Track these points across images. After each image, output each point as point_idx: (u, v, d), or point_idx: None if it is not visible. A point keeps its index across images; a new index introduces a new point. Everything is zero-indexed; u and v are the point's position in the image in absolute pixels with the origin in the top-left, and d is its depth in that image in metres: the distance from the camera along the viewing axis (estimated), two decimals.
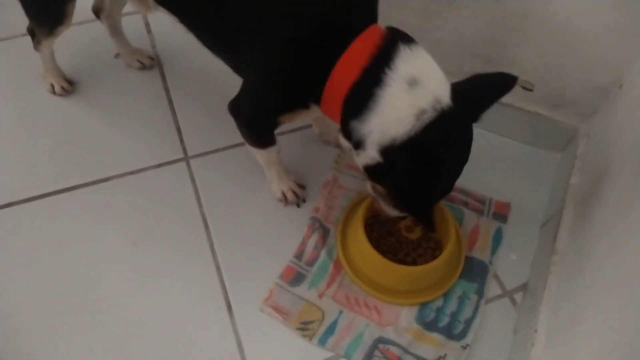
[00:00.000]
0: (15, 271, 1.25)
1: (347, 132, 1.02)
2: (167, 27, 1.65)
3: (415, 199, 1.02)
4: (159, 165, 1.44)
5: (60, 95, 1.54)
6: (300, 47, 0.99)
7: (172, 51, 1.67)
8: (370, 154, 0.99)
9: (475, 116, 1.01)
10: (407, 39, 0.97)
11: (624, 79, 1.26)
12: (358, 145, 1.00)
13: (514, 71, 1.37)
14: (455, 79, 1.49)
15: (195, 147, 1.47)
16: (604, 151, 1.24)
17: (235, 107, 1.18)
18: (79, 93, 1.56)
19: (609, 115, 1.29)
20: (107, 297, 1.23)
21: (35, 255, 1.27)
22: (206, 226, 1.34)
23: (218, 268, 1.28)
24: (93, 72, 1.60)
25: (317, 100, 1.06)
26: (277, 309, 1.22)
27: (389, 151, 0.95)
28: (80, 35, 1.64)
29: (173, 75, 1.62)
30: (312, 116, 1.20)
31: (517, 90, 1.41)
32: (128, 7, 1.69)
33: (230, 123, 1.22)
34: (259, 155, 1.30)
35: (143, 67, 1.61)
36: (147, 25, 1.73)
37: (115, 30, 1.55)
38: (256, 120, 1.18)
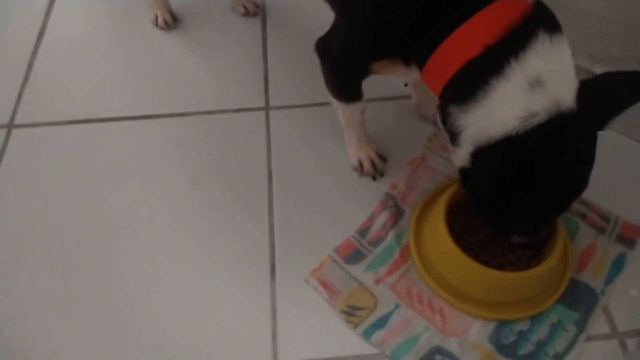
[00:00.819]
0: (72, 185, 1.22)
1: (443, 114, 0.85)
2: None
3: (498, 215, 0.84)
4: (238, 110, 1.35)
5: (162, 28, 1.53)
6: None
7: (279, 2, 1.59)
8: (462, 153, 0.83)
9: (602, 123, 0.81)
10: (552, 25, 0.78)
11: None
12: (452, 137, 0.85)
13: None
14: (600, 66, 1.24)
15: (278, 99, 1.36)
16: None
17: (323, 45, 1.04)
18: (179, 29, 1.53)
19: None
20: (153, 228, 1.15)
21: (96, 174, 1.24)
22: (270, 180, 1.21)
23: (271, 226, 1.14)
24: (198, 10, 1.57)
25: (420, 62, 0.88)
26: (324, 284, 1.05)
27: (480, 153, 0.80)
28: None
29: (274, 26, 1.54)
30: (409, 77, 1.04)
31: None
32: None
33: (319, 80, 1.09)
34: (341, 111, 1.15)
35: (247, 13, 1.55)
36: None
37: None
38: (344, 62, 1.02)
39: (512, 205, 0.81)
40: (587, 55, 1.20)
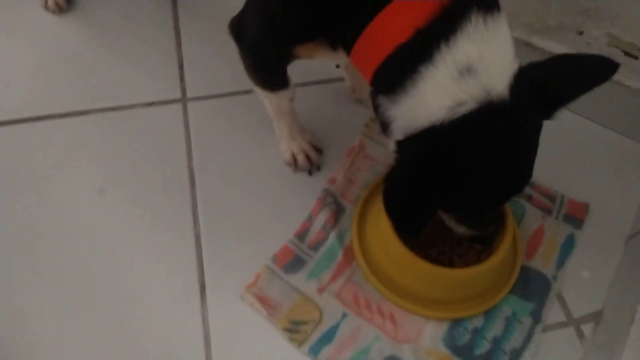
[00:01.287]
0: None
1: (374, 104, 0.77)
2: None
3: (410, 208, 0.74)
4: (150, 104, 1.18)
5: (54, 12, 1.32)
6: None
7: None
8: (392, 144, 0.75)
9: (549, 111, 0.73)
10: (487, 4, 0.69)
11: None
12: (383, 127, 0.77)
13: (616, 28, 1.04)
14: (537, 36, 1.17)
15: (196, 89, 1.21)
16: None
17: (238, 26, 0.90)
18: (75, 11, 1.33)
19: None
20: (58, 248, 0.99)
21: None
22: (192, 184, 1.07)
23: (197, 237, 1.01)
24: None
25: (347, 45, 0.77)
26: (262, 300, 0.93)
27: (402, 142, 0.72)
28: None
29: (186, 4, 1.36)
30: (337, 60, 0.94)
31: (617, 56, 1.08)
32: None
33: (241, 66, 0.95)
34: (268, 101, 1.02)
35: None
36: None
37: None
38: (264, 46, 0.89)
39: (426, 198, 0.73)
40: (523, 25, 1.14)
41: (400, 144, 0.72)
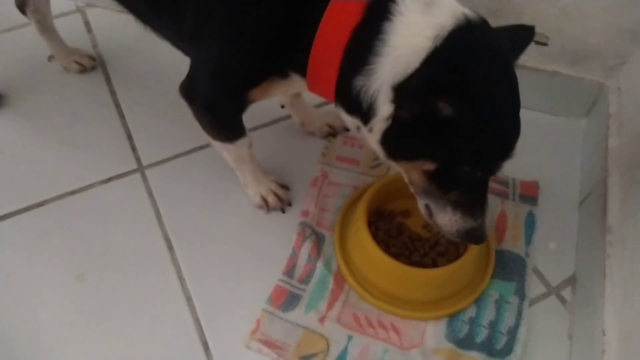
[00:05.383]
0: None
1: (350, 101, 0.76)
2: (109, 23, 1.44)
3: (487, 144, 0.72)
4: (108, 180, 1.17)
5: None
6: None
7: (117, 50, 1.42)
8: (384, 114, 0.73)
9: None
10: None
11: None
12: (369, 111, 0.75)
13: (524, 19, 1.16)
14: None
15: (150, 155, 1.21)
16: None
17: (189, 89, 0.92)
18: (7, 107, 1.29)
19: None
20: (48, 349, 0.95)
21: None
22: (170, 247, 1.07)
23: (189, 299, 1.01)
24: (23, 81, 1.34)
25: (300, 68, 0.81)
26: (268, 343, 0.94)
27: (401, 88, 0.68)
28: (5, 42, 1.40)
29: (119, 76, 1.37)
30: (291, 90, 0.95)
31: (529, 46, 1.20)
32: (62, 6, 1.47)
33: (190, 123, 0.98)
34: (227, 152, 1.05)
35: (83, 70, 1.36)
36: (87, 24, 1.48)
37: (46, 27, 1.29)
38: (219, 100, 0.92)
39: (492, 124, 0.71)
40: None
41: (400, 87, 0.68)
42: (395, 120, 0.72)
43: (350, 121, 0.82)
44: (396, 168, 0.86)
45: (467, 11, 0.73)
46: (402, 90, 0.69)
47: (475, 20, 0.72)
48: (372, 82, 0.73)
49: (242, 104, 0.91)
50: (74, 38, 1.40)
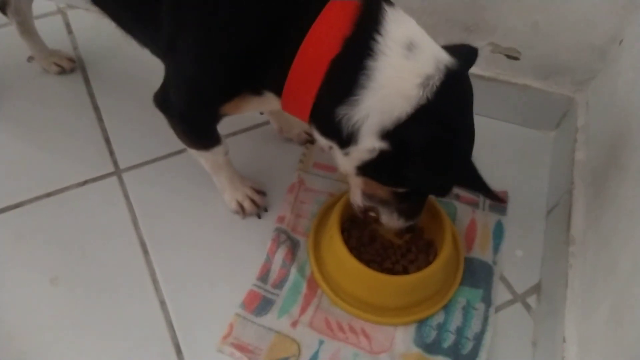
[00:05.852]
0: None
1: (329, 126, 0.80)
2: (90, 25, 1.44)
3: (447, 176, 0.81)
4: (84, 183, 1.18)
5: None
6: (248, 12, 0.78)
7: (97, 52, 1.43)
8: (367, 146, 0.79)
9: None
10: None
11: (623, 33, 1.08)
12: (349, 139, 0.79)
13: (496, 37, 1.20)
14: None
15: (127, 159, 1.22)
16: (612, 117, 1.05)
17: (163, 99, 0.93)
18: None
19: (611, 77, 1.11)
20: (21, 351, 0.95)
21: None
22: (145, 251, 1.08)
23: (162, 303, 1.02)
24: (1, 82, 1.34)
25: (275, 88, 0.84)
26: (240, 347, 0.96)
27: (397, 132, 0.76)
28: None
29: (98, 78, 1.38)
30: (264, 107, 0.97)
31: (501, 60, 1.24)
32: (43, 6, 1.47)
33: (168, 128, 0.99)
34: (203, 159, 1.06)
35: (62, 71, 1.36)
36: (68, 25, 1.49)
37: (26, 28, 1.30)
38: (192, 112, 0.94)
39: (452, 161, 0.79)
40: None
41: (394, 134, 0.75)
42: (382, 155, 0.78)
43: (324, 142, 0.86)
44: (354, 179, 0.90)
45: (446, 58, 0.78)
46: (400, 141, 0.76)
47: (454, 69, 0.78)
48: (355, 113, 0.76)
49: (215, 117, 0.93)
50: (55, 39, 1.40)
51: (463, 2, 1.16)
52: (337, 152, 0.84)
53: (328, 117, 0.79)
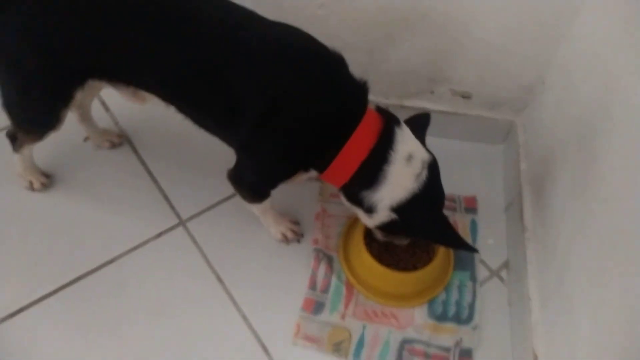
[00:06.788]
0: None
1: (355, 199, 1.23)
2: (123, 101, 1.72)
3: (436, 230, 1.25)
4: (159, 235, 1.49)
5: (39, 191, 1.53)
6: (311, 132, 1.16)
7: (137, 123, 1.71)
8: (383, 216, 1.22)
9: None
10: (397, 121, 1.20)
11: (545, 76, 1.51)
12: (370, 209, 1.22)
13: (453, 84, 1.61)
14: (405, 99, 1.70)
15: (187, 210, 1.54)
16: (542, 137, 1.49)
17: (238, 177, 1.30)
18: (57, 184, 1.56)
19: (539, 107, 1.54)
20: None
21: (63, 351, 1.29)
22: (220, 280, 1.42)
23: (244, 317, 1.37)
24: (66, 160, 1.61)
25: (319, 169, 1.23)
26: (309, 339, 1.33)
27: (401, 209, 1.20)
28: None
29: (145, 146, 1.66)
30: (305, 178, 1.34)
31: (458, 100, 1.65)
32: None
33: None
34: (256, 208, 1.42)
35: (113, 146, 1.65)
36: (104, 103, 1.76)
37: (86, 117, 1.58)
38: (262, 187, 1.33)
39: (437, 220, 1.24)
40: (395, 95, 1.67)
41: (399, 209, 1.20)
42: (392, 220, 1.23)
43: (347, 204, 1.28)
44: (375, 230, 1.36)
45: (426, 155, 1.21)
46: (403, 214, 1.21)
47: (430, 162, 1.22)
48: (373, 195, 1.20)
49: (276, 186, 1.32)
50: (96, 118, 1.66)
51: (429, 62, 1.56)
52: (361, 214, 1.27)
53: (356, 194, 1.22)
